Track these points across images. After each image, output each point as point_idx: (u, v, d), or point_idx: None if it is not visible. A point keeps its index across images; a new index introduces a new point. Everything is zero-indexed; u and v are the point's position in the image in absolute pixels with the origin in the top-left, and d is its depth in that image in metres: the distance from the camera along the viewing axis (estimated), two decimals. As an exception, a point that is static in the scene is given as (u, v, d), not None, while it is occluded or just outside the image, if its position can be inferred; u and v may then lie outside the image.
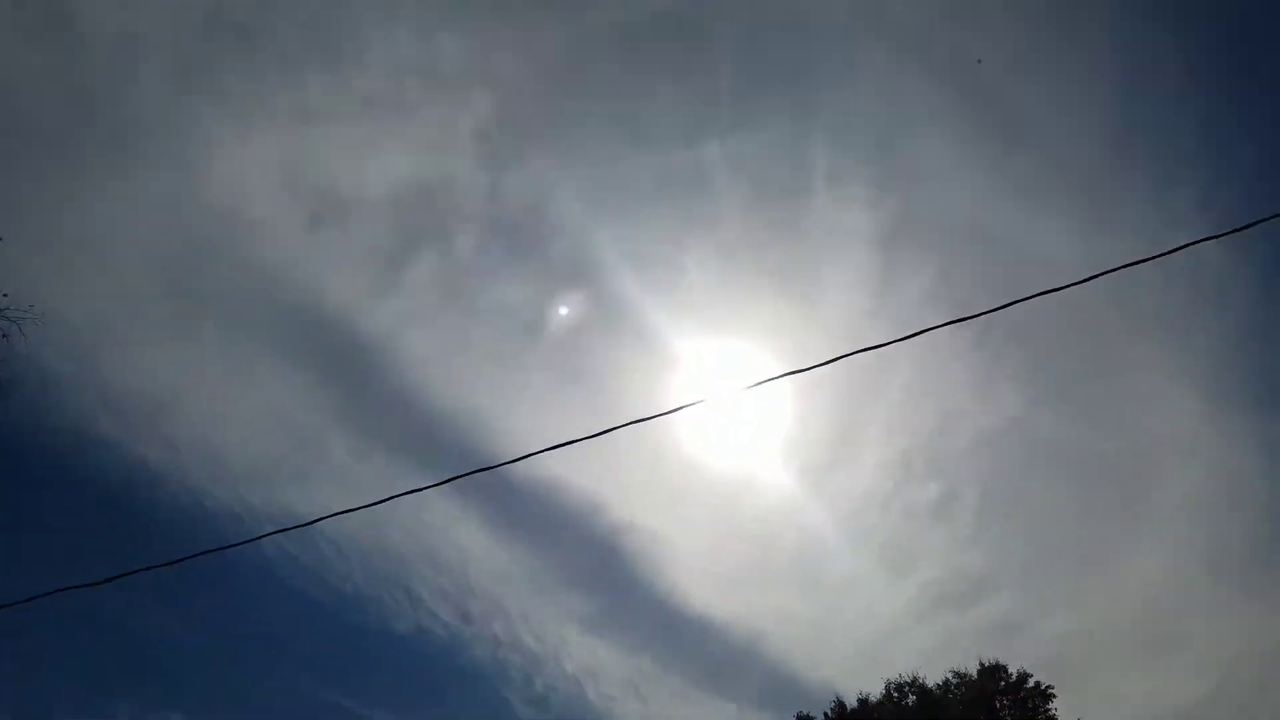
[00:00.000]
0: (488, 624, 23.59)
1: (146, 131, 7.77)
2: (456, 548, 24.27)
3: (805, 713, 12.83)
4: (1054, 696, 11.63)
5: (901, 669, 12.64)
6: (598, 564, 25.99)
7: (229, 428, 21.01)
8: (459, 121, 12.73)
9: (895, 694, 12.08)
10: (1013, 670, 11.86)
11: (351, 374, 23.96)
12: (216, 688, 19.65)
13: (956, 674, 12.05)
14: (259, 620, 22.92)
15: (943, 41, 7.68)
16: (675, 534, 26.52)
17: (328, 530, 22.19)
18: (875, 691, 12.71)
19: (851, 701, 12.55)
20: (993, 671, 11.90)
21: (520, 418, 25.44)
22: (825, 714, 12.49)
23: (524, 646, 24.94)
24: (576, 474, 25.63)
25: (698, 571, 25.68)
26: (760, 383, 2.27)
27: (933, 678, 12.49)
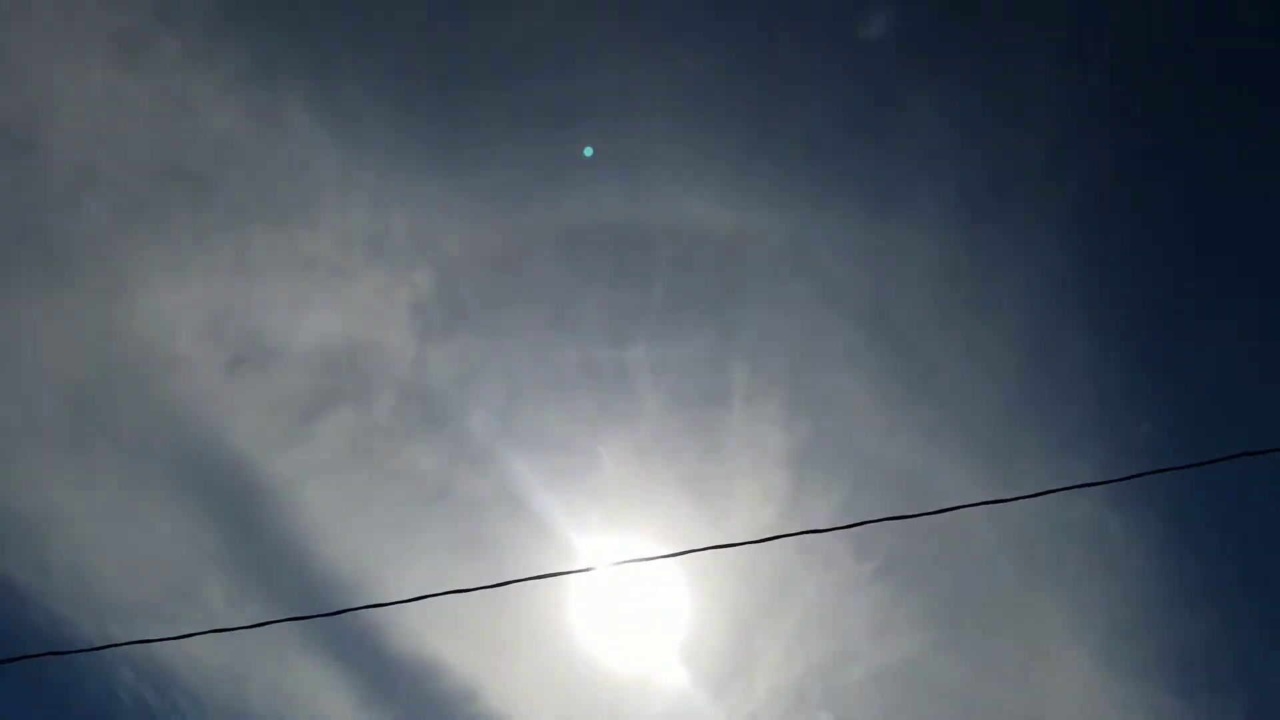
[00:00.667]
0: None
1: (83, 259, 7.84)
2: (318, 717, 22.71)
3: None
4: None
5: None
6: None
7: (105, 559, 19.84)
8: (397, 292, 12.98)
9: None
10: None
11: (243, 519, 23.01)
12: None
13: None
14: None
15: (862, 288, 8.19)
16: None
17: (187, 680, 20.75)
18: None
19: None
20: None
21: (410, 586, 24.44)
22: None
23: None
24: (458, 656, 24.55)
25: None
26: (707, 549, 2.28)
27: None
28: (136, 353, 14.98)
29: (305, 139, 8.39)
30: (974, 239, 8.27)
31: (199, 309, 13.67)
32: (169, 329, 14.50)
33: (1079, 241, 8.06)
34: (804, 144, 7.64)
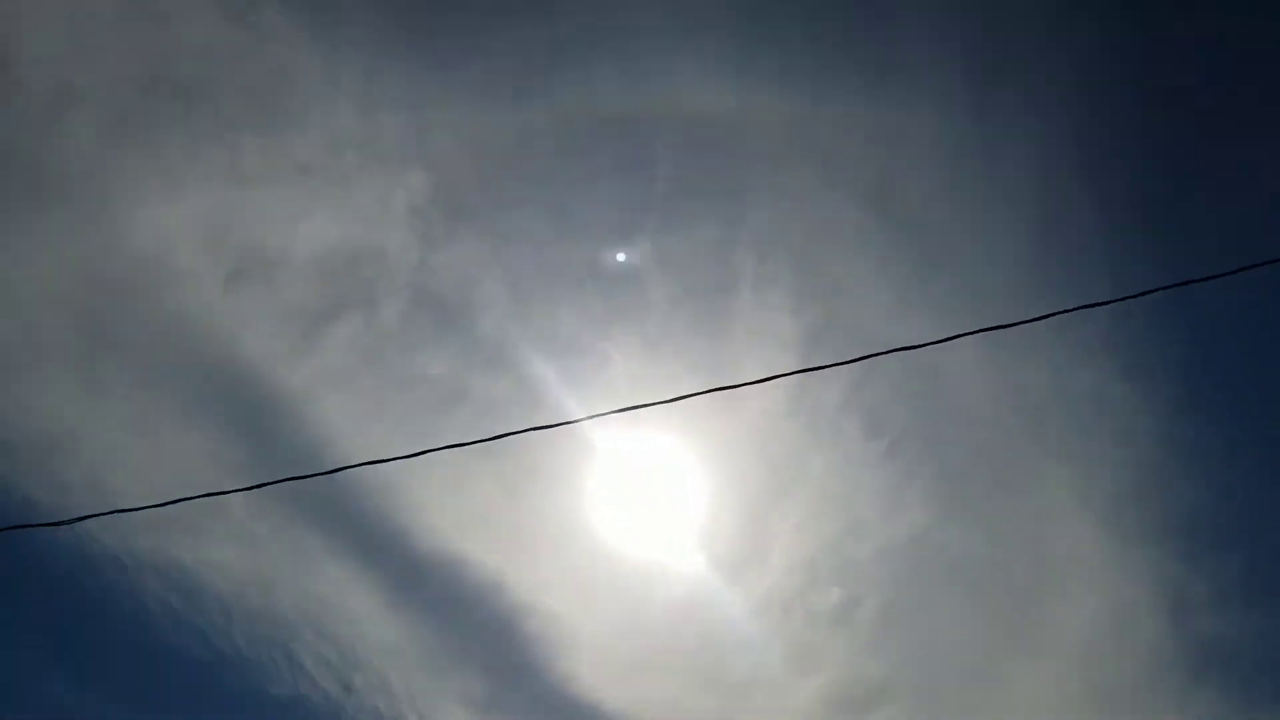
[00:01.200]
0: (370, 697, 22.75)
1: (72, 178, 7.70)
2: (347, 617, 23.42)
3: None
4: None
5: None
6: (495, 645, 25.27)
7: (123, 474, 20.18)
8: (394, 196, 12.78)
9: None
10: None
11: (259, 430, 23.29)
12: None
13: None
14: (137, 674, 21.86)
15: (868, 168, 8.05)
16: (578, 619, 26.02)
17: (213, 586, 21.37)
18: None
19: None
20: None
21: (431, 488, 25.02)
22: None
23: None
24: (482, 551, 25.25)
25: (597, 659, 25.18)
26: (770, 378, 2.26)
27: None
28: (135, 269, 14.81)
29: (286, 42, 8.12)
30: (977, 110, 8.05)
31: (194, 222, 13.45)
32: (166, 244, 14.28)
33: (1084, 109, 7.85)
34: (803, 20, 7.37)
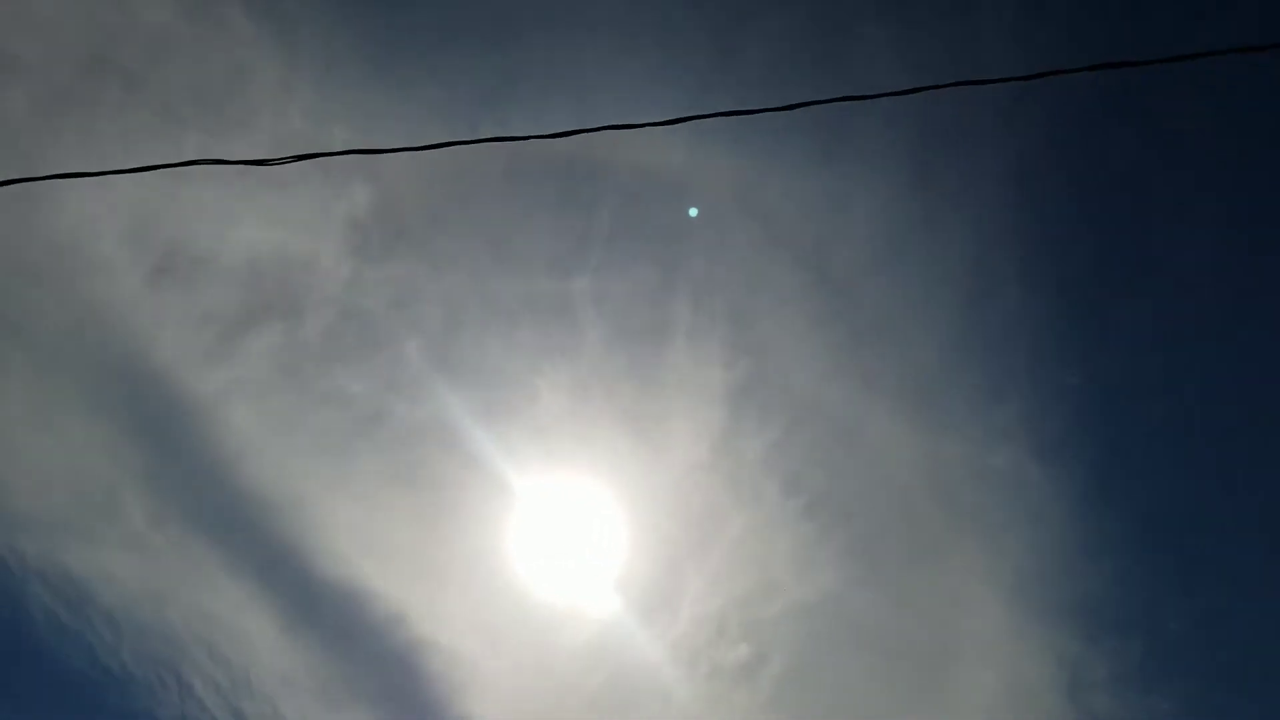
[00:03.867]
0: None
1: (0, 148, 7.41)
2: (242, 640, 22.41)
3: None
4: None
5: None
6: (393, 680, 24.45)
7: (16, 468, 19.20)
8: (334, 207, 12.54)
9: None
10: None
11: (164, 435, 22.39)
12: None
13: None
14: (15, 685, 20.46)
15: (808, 231, 8.19)
16: (483, 658, 25.44)
17: (103, 598, 20.31)
18: None
19: None
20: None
21: (341, 512, 24.32)
22: None
23: None
24: (386, 582, 24.54)
25: (499, 699, 24.57)
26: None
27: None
28: (53, 254, 14.23)
29: (244, 41, 7.95)
30: (921, 185, 8.27)
31: (122, 212, 13.02)
32: (89, 231, 13.76)
33: (1022, 196, 8.12)
34: (758, 78, 7.49)
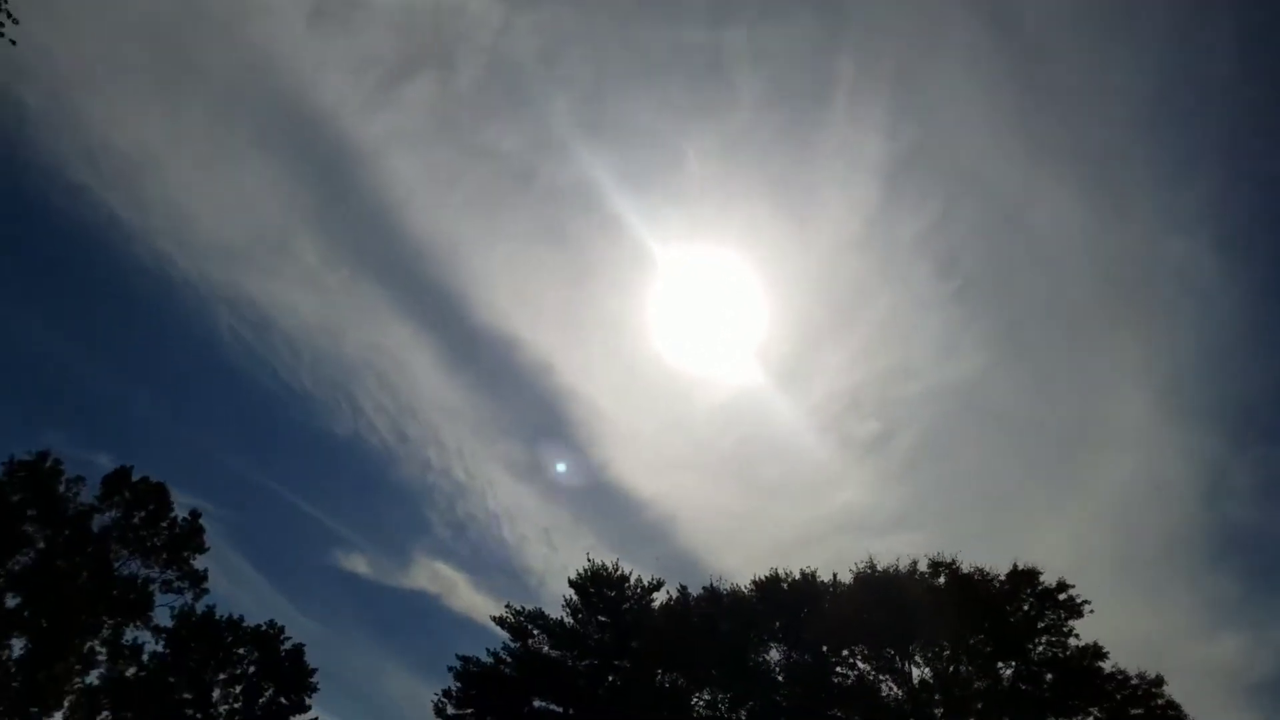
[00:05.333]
0: (422, 448, 24.36)
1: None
2: (406, 373, 24.63)
3: (711, 583, 13.33)
4: (1083, 614, 11.46)
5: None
6: (540, 421, 26.68)
7: (202, 201, 20.63)
8: (481, -49, 12.04)
9: (928, 570, 12.02)
10: (1050, 580, 11.65)
11: (332, 179, 23.54)
12: (154, 442, 20.09)
13: (982, 571, 11.94)
14: (208, 394, 23.34)
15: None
16: (621, 413, 27.21)
17: (285, 325, 22.29)
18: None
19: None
20: (1027, 575, 11.76)
21: (494, 263, 25.23)
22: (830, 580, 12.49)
23: (453, 476, 26.00)
24: (538, 333, 25.95)
25: (633, 451, 26.44)
26: None
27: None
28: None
29: None
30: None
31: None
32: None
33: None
34: None
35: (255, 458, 23.45)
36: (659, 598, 13.51)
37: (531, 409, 26.81)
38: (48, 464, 12.11)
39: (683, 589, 13.41)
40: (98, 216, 18.13)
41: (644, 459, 25.88)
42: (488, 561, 26.76)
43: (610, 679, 13.43)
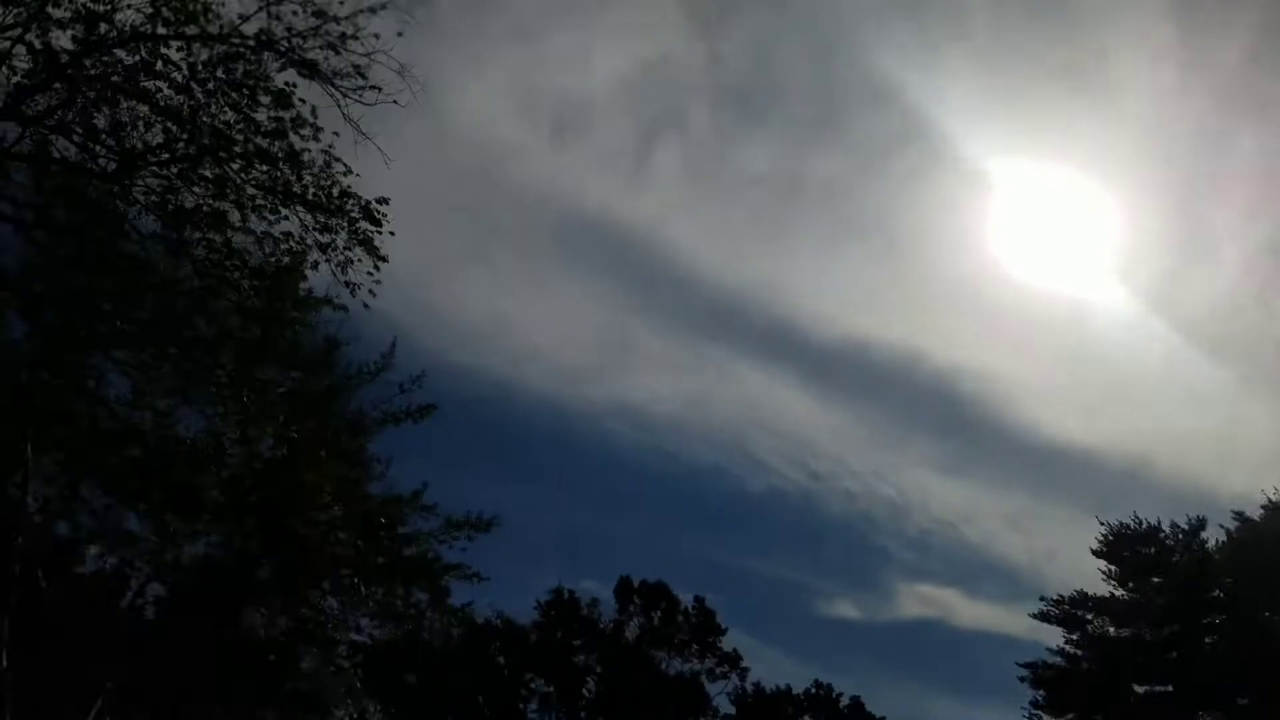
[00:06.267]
0: (837, 480, 23.10)
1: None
2: (784, 413, 23.86)
3: None
4: None
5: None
6: (936, 410, 24.07)
7: (550, 335, 22.55)
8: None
9: None
10: None
11: (632, 268, 24.44)
12: (616, 558, 21.46)
13: None
14: (632, 500, 24.47)
15: None
16: (1013, 370, 23.63)
17: (658, 411, 22.94)
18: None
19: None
20: None
21: (807, 275, 23.89)
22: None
23: (882, 497, 24.27)
24: (884, 329, 23.78)
25: (1050, 402, 22.64)
26: None
27: None
28: (472, 151, 15.95)
29: None
30: None
31: (506, 94, 13.95)
32: (490, 120, 15.12)
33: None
34: None
35: (699, 539, 24.20)
36: (1207, 536, 11.02)
37: (922, 402, 24.50)
38: (565, 595, 13.44)
39: (1239, 516, 10.74)
40: (487, 386, 20.67)
41: (1065, 408, 22.17)
42: (966, 568, 24.50)
43: (1205, 640, 11.17)
